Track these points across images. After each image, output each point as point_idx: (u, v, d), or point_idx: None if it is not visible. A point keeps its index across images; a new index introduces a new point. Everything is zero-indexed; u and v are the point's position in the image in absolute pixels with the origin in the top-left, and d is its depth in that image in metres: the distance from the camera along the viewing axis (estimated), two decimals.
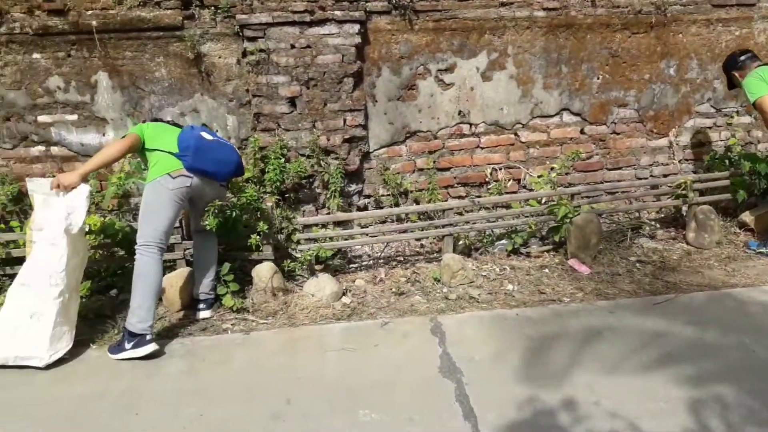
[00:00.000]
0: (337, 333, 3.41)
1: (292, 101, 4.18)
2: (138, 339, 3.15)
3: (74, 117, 4.16)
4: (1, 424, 2.66)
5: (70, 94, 4.10)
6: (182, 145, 3.28)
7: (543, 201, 4.46)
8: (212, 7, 3.98)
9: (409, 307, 3.69)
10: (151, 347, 3.16)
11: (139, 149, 3.36)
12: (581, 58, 4.71)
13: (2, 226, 4.05)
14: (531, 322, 3.41)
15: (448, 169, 4.71)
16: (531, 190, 4.67)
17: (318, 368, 3.03)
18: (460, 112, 4.62)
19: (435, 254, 4.40)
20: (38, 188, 3.22)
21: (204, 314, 3.64)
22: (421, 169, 4.68)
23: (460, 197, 4.70)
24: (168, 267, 3.88)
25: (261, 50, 3.98)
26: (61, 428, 2.62)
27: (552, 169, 4.72)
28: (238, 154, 3.53)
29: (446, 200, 4.62)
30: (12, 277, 3.78)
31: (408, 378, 2.88)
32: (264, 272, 3.79)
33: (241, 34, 4.00)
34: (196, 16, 4.00)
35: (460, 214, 4.40)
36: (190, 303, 3.73)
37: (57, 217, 3.15)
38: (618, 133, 4.95)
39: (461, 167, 4.74)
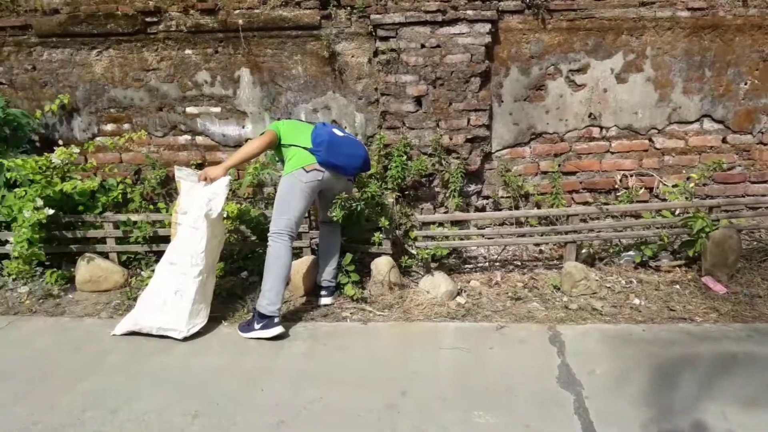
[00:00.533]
0: (451, 332, 3.43)
1: (418, 100, 4.24)
2: (267, 321, 3.36)
3: (218, 109, 4.49)
4: (146, 384, 2.95)
5: (215, 88, 4.42)
6: (316, 140, 3.47)
7: (677, 212, 4.20)
8: (348, 7, 4.12)
9: (526, 313, 3.63)
10: (278, 330, 3.36)
11: (275, 145, 3.57)
12: (727, 62, 4.37)
13: (151, 207, 4.45)
14: (659, 340, 3.23)
15: (573, 173, 4.57)
16: (664, 200, 4.41)
17: (432, 364, 3.06)
18: (590, 115, 4.46)
19: (555, 261, 4.28)
20: (185, 176, 3.52)
21: (325, 300, 3.80)
22: (545, 172, 4.57)
23: (585, 203, 4.53)
24: (294, 254, 4.08)
25: (392, 50, 4.07)
26: (195, 394, 2.85)
27: (689, 178, 4.43)
28: (366, 150, 3.67)
29: (570, 206, 4.48)
30: (157, 253, 4.17)
31: (524, 384, 2.84)
32: (382, 266, 3.89)
33: (374, 33, 4.12)
34: (333, 15, 4.17)
35: (584, 221, 4.25)
36: (313, 289, 3.91)
37: (199, 203, 3.42)
38: (765, 144, 4.55)
39: (588, 172, 4.57)
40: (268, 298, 3.38)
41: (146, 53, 4.36)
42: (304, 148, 3.49)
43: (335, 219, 3.69)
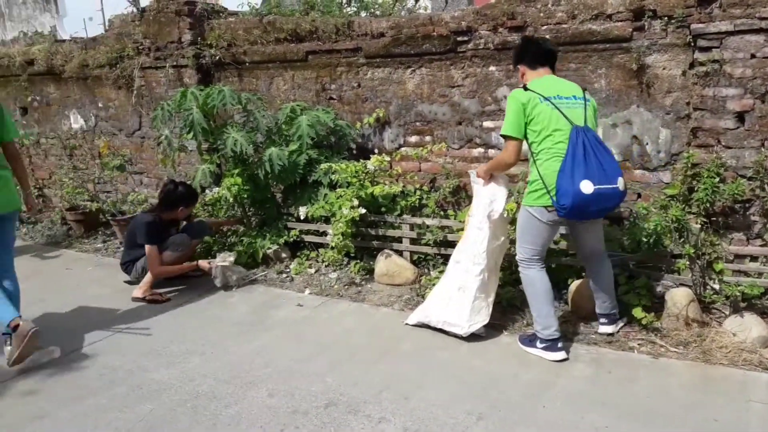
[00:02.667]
0: (763, 384, 2.98)
1: (740, 116, 3.75)
2: (550, 344, 3.31)
3: None
4: (433, 376, 3.17)
5: None
6: (560, 195, 3.10)
7: None
8: (665, 18, 3.84)
9: None
10: (561, 355, 3.29)
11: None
12: None
13: (442, 213, 4.77)
14: None
15: None
16: None
17: (739, 416, 2.71)
18: None
19: None
20: (476, 180, 3.70)
21: (605, 329, 3.59)
22: None
23: None
24: (574, 275, 4.00)
25: (714, 61, 3.68)
26: (478, 396, 2.97)
27: None
28: (620, 195, 3.18)
29: None
30: (445, 256, 4.45)
31: None
32: (680, 298, 3.56)
33: (692, 44, 3.78)
34: (646, 27, 3.94)
35: None
36: (593, 312, 3.75)
37: (483, 204, 3.57)
38: None
39: None
40: (540, 323, 3.35)
41: (453, 71, 4.68)
42: (547, 191, 3.16)
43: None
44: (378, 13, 5.70)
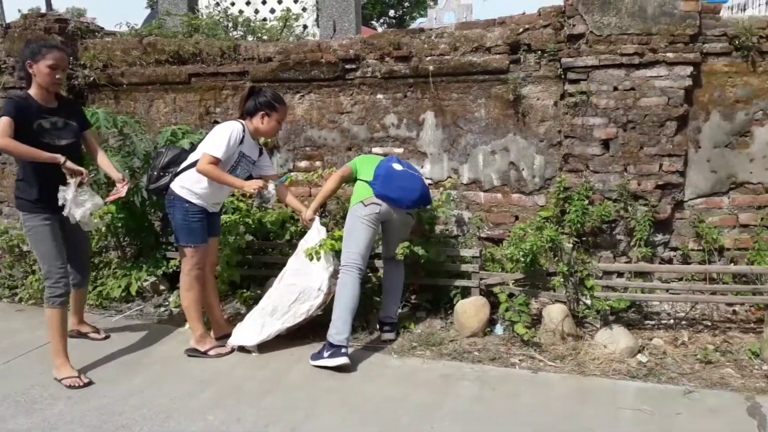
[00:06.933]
0: (631, 391, 3.20)
1: (605, 143, 4.10)
2: (334, 350, 3.48)
3: (401, 150, 4.70)
4: (323, 405, 3.12)
5: (401, 130, 4.64)
6: (375, 173, 3.70)
7: None
8: (539, 51, 4.14)
9: (719, 379, 3.28)
10: (342, 360, 3.45)
11: (351, 180, 3.87)
12: None
13: None
14: None
15: None
16: None
17: (611, 423, 2.89)
18: None
19: (752, 324, 3.83)
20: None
21: (389, 336, 3.89)
22: (745, 226, 4.13)
23: None
24: (463, 294, 4.12)
25: (582, 92, 4.00)
26: (369, 420, 2.95)
27: None
28: (424, 185, 3.79)
29: None
30: None
31: None
32: (555, 314, 3.76)
33: (563, 76, 4.08)
34: (522, 60, 4.21)
35: None
36: (481, 329, 3.87)
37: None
38: None
39: None
40: (336, 327, 3.52)
41: (342, 97, 4.73)
42: (365, 181, 3.71)
43: (398, 257, 3.82)
44: (265, 38, 5.65)
